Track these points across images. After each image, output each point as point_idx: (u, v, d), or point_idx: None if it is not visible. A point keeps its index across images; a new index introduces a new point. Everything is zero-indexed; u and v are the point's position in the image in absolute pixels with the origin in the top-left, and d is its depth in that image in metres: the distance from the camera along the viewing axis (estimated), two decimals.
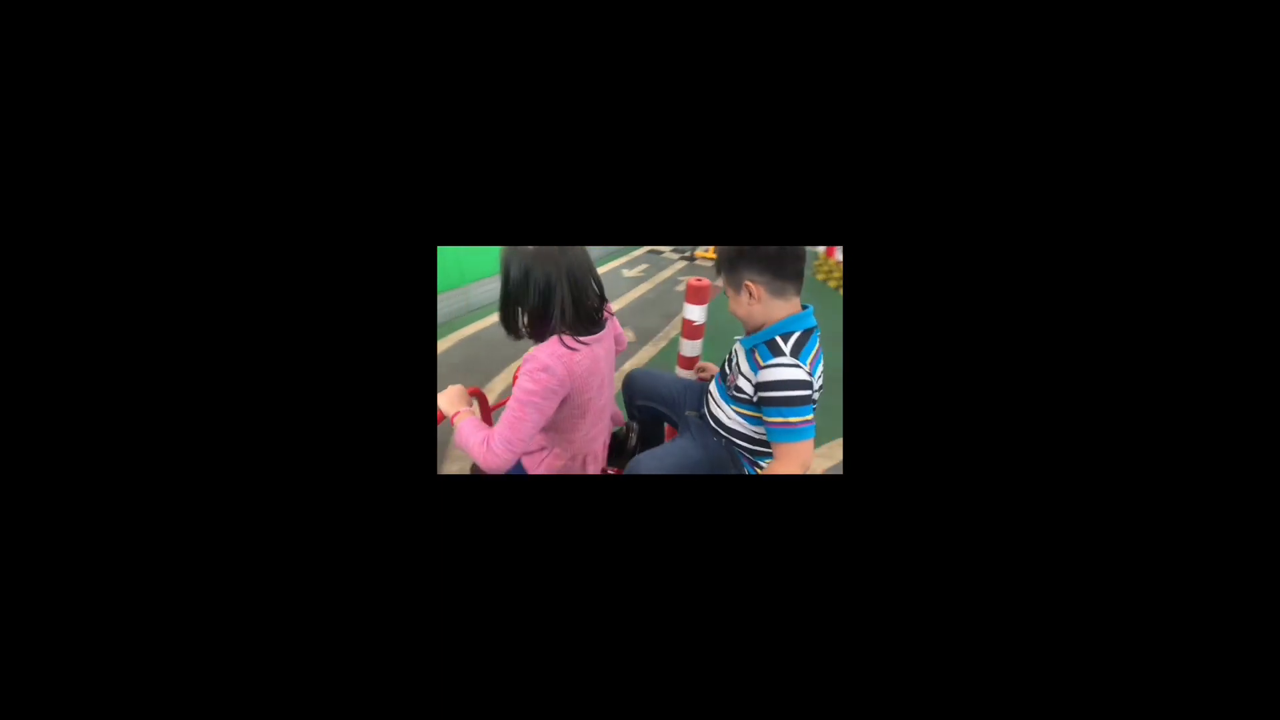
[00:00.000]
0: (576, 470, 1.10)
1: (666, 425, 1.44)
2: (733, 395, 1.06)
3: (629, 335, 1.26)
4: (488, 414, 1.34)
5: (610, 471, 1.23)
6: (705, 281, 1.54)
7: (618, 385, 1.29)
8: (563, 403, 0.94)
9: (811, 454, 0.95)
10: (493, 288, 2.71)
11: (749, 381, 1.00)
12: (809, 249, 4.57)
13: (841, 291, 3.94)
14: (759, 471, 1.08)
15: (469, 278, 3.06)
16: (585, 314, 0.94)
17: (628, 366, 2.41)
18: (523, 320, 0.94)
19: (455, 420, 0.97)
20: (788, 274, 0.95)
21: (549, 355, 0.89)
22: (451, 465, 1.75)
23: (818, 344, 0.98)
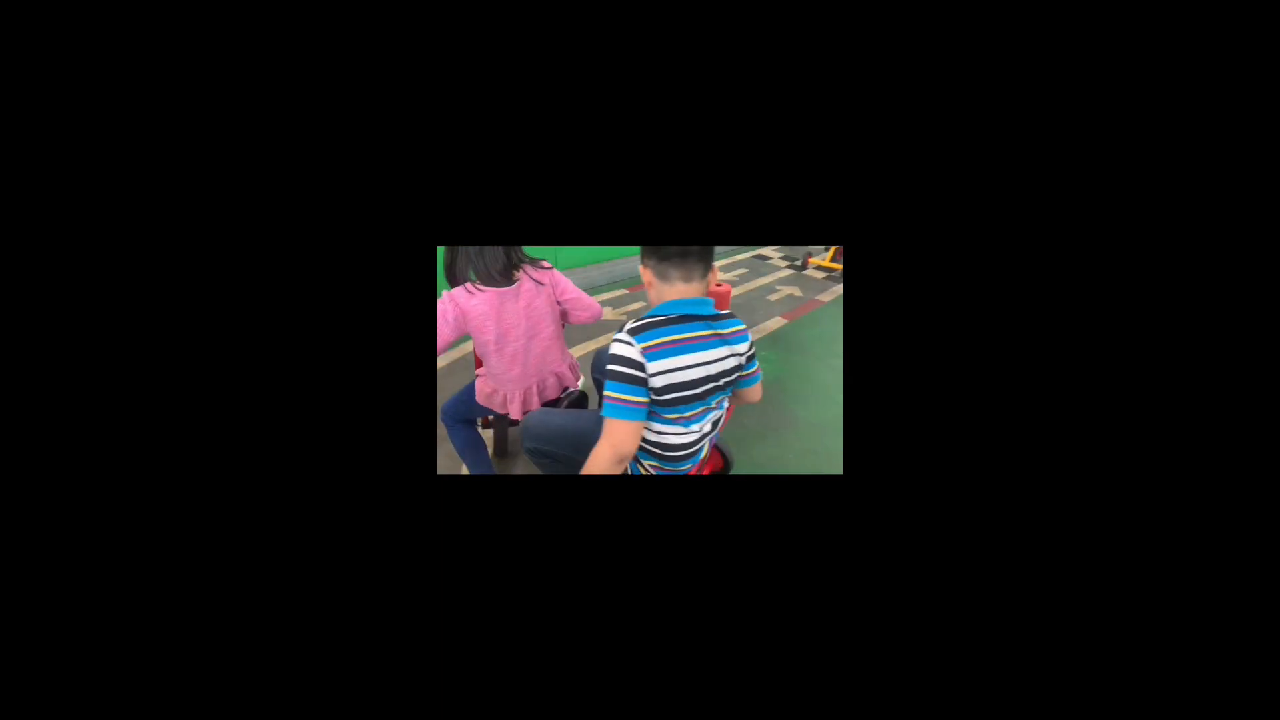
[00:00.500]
0: (498, 402, 1.38)
1: None
2: None
3: (605, 313, 1.38)
4: None
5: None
6: (726, 287, 1.43)
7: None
8: (476, 335, 1.27)
9: (628, 439, 0.91)
10: None
11: None
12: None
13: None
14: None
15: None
16: (484, 272, 1.22)
17: None
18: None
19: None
20: (671, 262, 0.95)
21: (451, 294, 1.24)
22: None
23: (697, 333, 0.94)
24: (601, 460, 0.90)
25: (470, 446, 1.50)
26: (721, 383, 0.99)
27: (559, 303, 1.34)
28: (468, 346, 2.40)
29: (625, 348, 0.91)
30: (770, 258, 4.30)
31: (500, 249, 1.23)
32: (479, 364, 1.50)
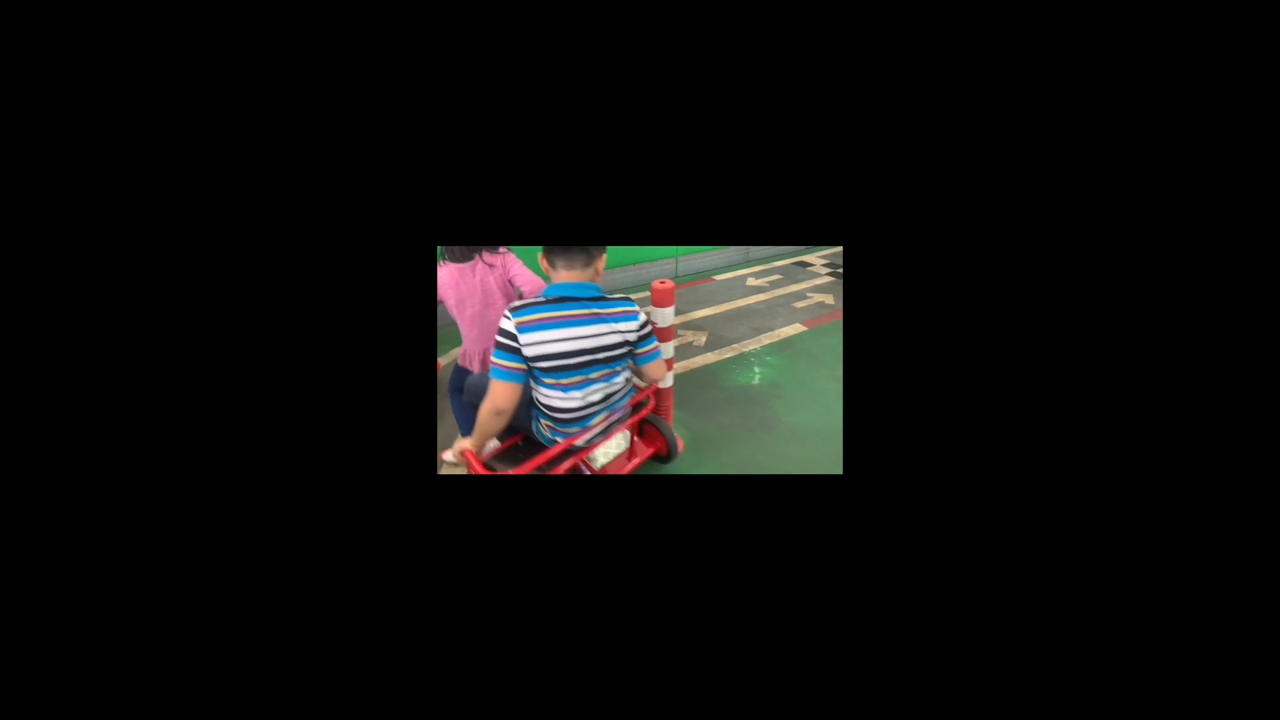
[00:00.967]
0: (469, 361, 1.59)
1: None
2: None
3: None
4: None
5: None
6: (670, 284, 1.48)
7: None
8: (445, 301, 1.50)
9: (504, 397, 1.10)
10: None
11: None
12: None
13: None
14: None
15: None
16: (451, 251, 1.47)
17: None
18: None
19: None
20: (556, 253, 1.13)
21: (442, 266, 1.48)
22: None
23: (573, 311, 1.11)
24: (483, 413, 1.12)
25: (464, 413, 1.69)
26: (600, 356, 1.15)
27: (510, 280, 1.58)
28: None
29: (506, 322, 1.10)
30: (813, 264, 4.18)
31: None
32: None
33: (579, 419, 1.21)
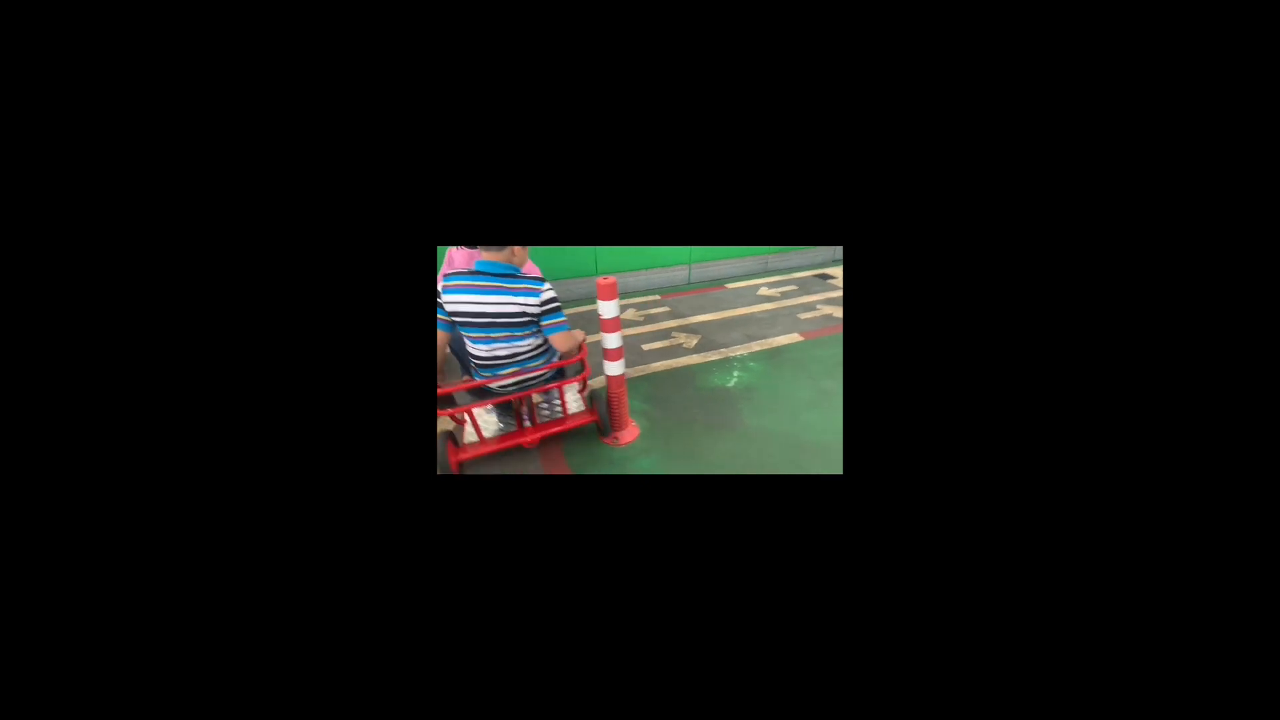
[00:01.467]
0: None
1: None
2: None
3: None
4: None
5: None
6: (611, 279, 1.61)
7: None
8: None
9: (440, 341, 1.56)
10: None
11: None
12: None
13: None
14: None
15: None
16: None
17: (667, 363, 2.49)
18: None
19: None
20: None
21: None
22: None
23: (483, 282, 1.49)
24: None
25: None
26: (499, 320, 1.51)
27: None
28: None
29: (440, 284, 1.49)
30: (834, 277, 4.14)
31: None
32: None
33: (489, 366, 1.62)
